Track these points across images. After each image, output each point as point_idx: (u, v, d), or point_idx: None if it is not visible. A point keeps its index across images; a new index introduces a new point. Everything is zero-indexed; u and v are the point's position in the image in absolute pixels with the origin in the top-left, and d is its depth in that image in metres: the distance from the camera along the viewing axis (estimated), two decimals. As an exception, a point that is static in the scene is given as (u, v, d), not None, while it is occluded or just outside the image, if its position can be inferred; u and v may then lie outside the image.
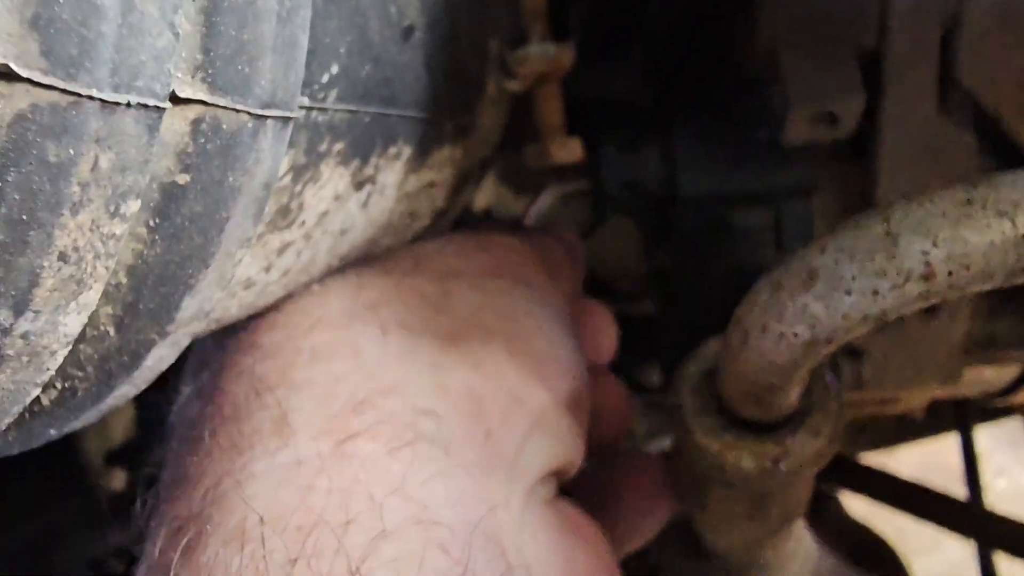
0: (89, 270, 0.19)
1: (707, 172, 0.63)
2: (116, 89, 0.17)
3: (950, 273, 0.29)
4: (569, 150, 0.46)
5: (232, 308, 0.30)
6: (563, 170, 0.63)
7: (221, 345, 0.36)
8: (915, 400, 0.73)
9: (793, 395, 0.36)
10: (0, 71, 0.16)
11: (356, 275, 0.38)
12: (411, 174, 0.36)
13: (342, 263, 0.36)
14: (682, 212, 0.64)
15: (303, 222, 0.29)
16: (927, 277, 0.29)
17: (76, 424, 0.24)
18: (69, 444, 1.08)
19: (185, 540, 0.30)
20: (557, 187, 0.67)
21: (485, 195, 0.83)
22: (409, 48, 0.32)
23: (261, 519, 0.29)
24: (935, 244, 0.29)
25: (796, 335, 0.32)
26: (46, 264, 0.18)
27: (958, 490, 1.40)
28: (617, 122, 0.75)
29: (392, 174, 0.34)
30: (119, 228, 0.19)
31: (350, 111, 0.28)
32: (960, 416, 1.48)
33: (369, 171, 0.31)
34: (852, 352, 0.68)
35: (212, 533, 0.30)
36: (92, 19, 0.16)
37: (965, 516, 1.28)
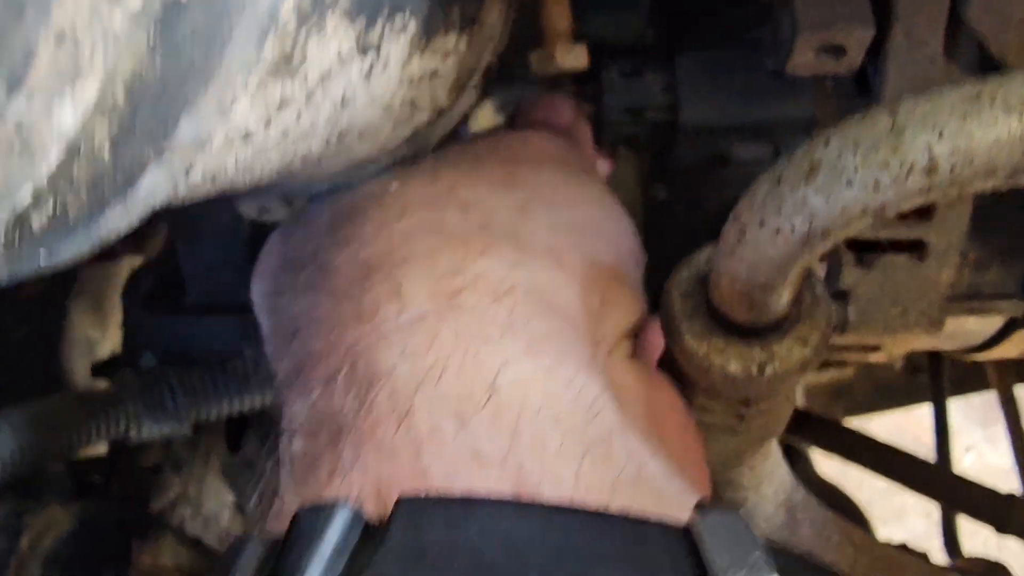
0: (87, 57, 0.18)
1: (709, 102, 0.63)
2: None
3: (953, 168, 0.29)
4: (575, 55, 0.46)
5: (229, 165, 0.29)
6: (563, 84, 0.62)
7: (317, 244, 0.41)
8: (897, 348, 0.73)
9: (784, 298, 0.36)
10: None
11: (430, 165, 0.42)
12: (415, 54, 0.35)
13: (340, 142, 0.36)
14: (682, 141, 0.64)
15: (305, 76, 0.28)
16: (930, 170, 0.29)
17: (67, 252, 0.24)
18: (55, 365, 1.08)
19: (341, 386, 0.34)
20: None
21: (483, 121, 0.82)
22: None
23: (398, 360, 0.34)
24: (940, 137, 0.29)
25: (793, 229, 0.31)
26: (42, 41, 0.17)
27: (923, 453, 1.43)
28: (622, 34, 0.74)
29: (397, 48, 0.33)
30: (118, 19, 0.18)
31: (358, -38, 0.28)
32: (935, 386, 1.50)
33: (374, 37, 0.31)
34: (838, 294, 0.68)
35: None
36: None
37: (932, 478, 1.30)
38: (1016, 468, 1.37)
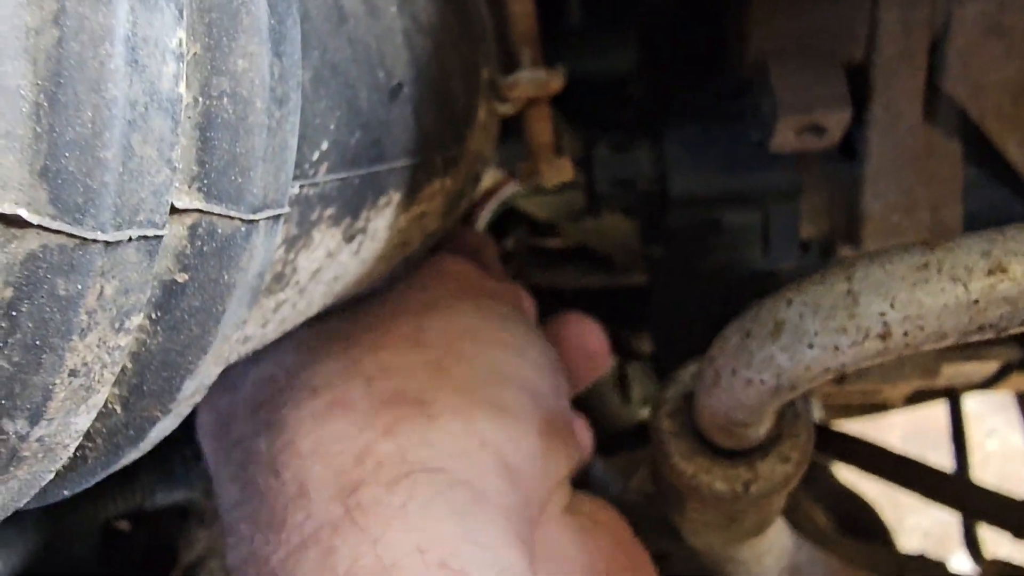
0: (97, 378, 0.21)
1: (697, 173, 0.64)
2: (118, 228, 0.19)
3: (906, 333, 0.31)
4: (558, 169, 0.48)
5: (232, 360, 0.31)
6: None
7: (243, 428, 0.41)
8: (897, 392, 0.75)
9: (762, 429, 0.38)
10: (12, 217, 0.18)
11: (344, 331, 0.42)
12: (402, 213, 0.37)
13: (336, 301, 0.38)
14: (673, 211, 0.65)
15: (297, 282, 0.31)
16: (884, 336, 0.31)
17: (87, 485, 0.26)
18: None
19: None
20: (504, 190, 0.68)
21: (488, 180, 0.84)
22: (397, 105, 0.33)
23: None
24: (892, 306, 0.30)
25: (763, 381, 0.33)
26: (58, 381, 0.20)
27: (944, 449, 1.44)
28: (612, 110, 0.76)
29: (382, 220, 0.35)
30: (124, 340, 0.21)
31: (340, 179, 0.30)
32: (950, 389, 1.51)
33: (360, 224, 0.33)
34: (835, 348, 0.70)
35: None
36: (95, 170, 0.18)
37: (949, 488, 1.31)
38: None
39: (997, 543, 1.40)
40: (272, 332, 0.33)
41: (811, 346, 0.32)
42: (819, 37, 0.57)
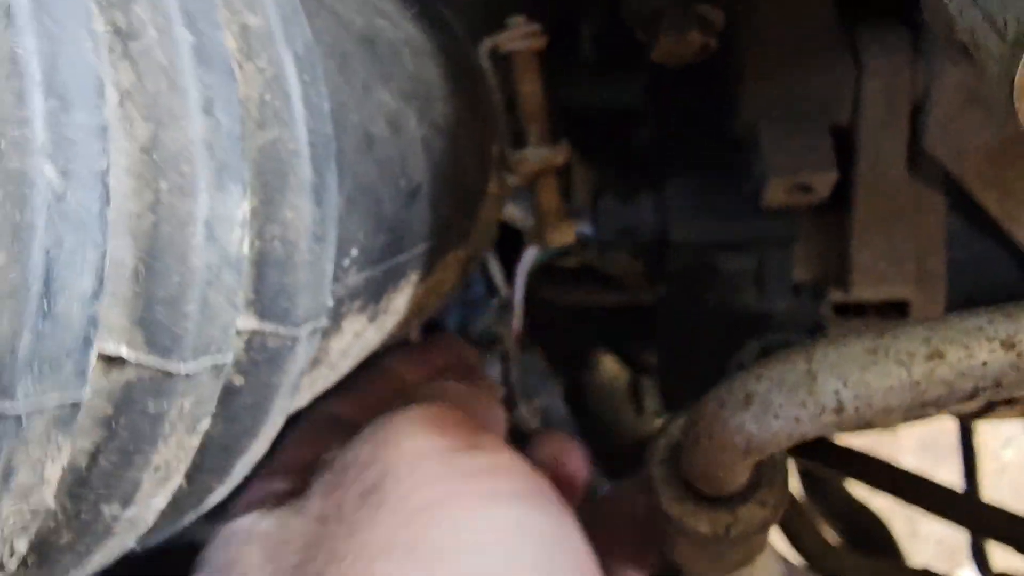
0: (175, 469, 0.26)
1: (697, 222, 0.69)
2: (196, 359, 0.24)
3: (857, 409, 0.35)
4: (562, 233, 0.52)
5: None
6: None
7: None
8: (892, 420, 0.78)
9: (740, 480, 0.42)
10: (115, 355, 0.23)
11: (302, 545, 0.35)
12: (420, 286, 0.42)
13: (358, 362, 0.43)
14: (673, 256, 0.70)
15: (329, 361, 0.36)
16: (838, 411, 0.35)
17: (152, 542, 0.31)
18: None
19: None
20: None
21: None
22: (416, 203, 0.38)
23: None
24: (845, 384, 0.35)
25: (735, 445, 0.38)
26: (145, 475, 0.25)
27: (954, 462, 1.47)
28: (621, 144, 0.80)
29: (402, 297, 0.40)
30: (195, 440, 0.26)
31: (366, 276, 0.35)
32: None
33: (383, 305, 0.38)
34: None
35: None
36: (180, 320, 0.23)
37: (957, 506, 1.34)
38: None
39: (1006, 557, 1.43)
40: (305, 400, 0.38)
41: (776, 416, 0.36)
42: (807, 102, 0.61)
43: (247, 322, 0.27)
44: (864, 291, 0.67)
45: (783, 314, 0.70)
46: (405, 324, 0.45)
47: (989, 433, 2.86)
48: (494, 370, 0.80)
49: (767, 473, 0.45)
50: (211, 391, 0.25)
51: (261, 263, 0.26)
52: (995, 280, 0.68)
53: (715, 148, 0.69)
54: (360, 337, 0.38)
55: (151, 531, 0.30)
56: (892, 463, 1.43)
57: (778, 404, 0.36)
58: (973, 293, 0.68)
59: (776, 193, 0.62)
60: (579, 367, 1.25)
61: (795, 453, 1.64)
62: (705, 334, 0.73)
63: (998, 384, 0.34)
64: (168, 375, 0.23)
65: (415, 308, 0.44)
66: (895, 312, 0.69)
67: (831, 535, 1.51)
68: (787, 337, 0.69)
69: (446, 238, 0.43)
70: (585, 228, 0.74)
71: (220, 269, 0.23)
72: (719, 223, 0.69)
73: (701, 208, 0.69)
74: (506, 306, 0.79)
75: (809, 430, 0.36)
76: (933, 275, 0.67)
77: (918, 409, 0.35)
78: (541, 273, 1.19)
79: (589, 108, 0.83)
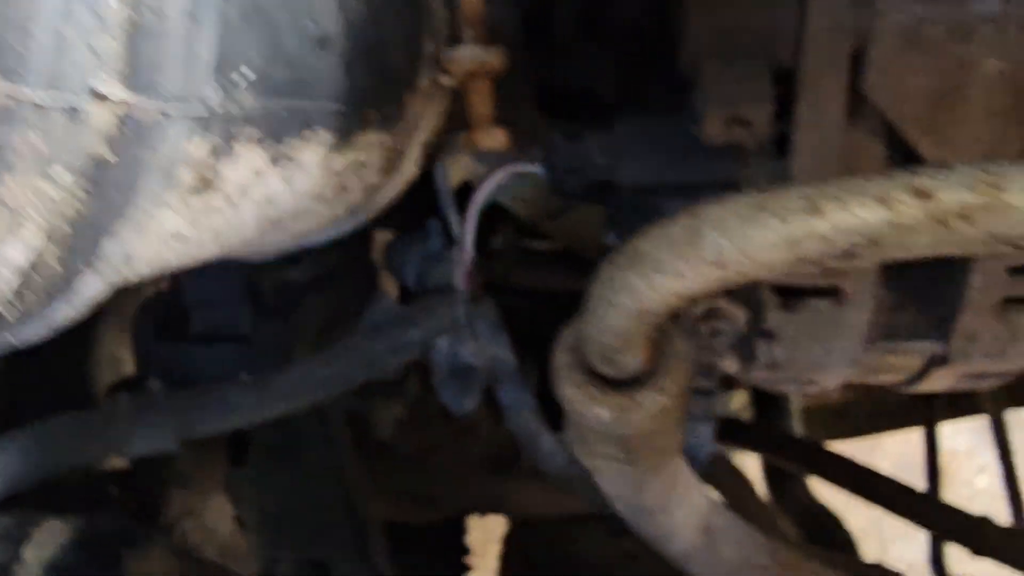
0: (26, 214, 0.26)
1: (643, 164, 0.70)
2: (46, 90, 0.25)
3: (738, 262, 0.36)
4: (494, 138, 0.53)
5: (170, 258, 0.37)
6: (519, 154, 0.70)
7: None
8: (832, 382, 0.79)
9: (636, 357, 0.43)
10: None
11: None
12: (335, 154, 0.43)
13: (275, 227, 0.44)
14: (619, 199, 0.71)
15: (224, 190, 0.36)
16: (720, 264, 0.36)
17: (28, 334, 0.32)
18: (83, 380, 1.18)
19: None
20: (511, 167, 0.74)
21: (461, 171, 0.90)
22: (326, 53, 0.39)
23: None
24: (727, 238, 0.36)
25: (624, 305, 0.39)
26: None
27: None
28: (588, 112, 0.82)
29: (312, 154, 0.41)
30: (50, 188, 0.26)
31: (262, 104, 0.35)
32: (927, 413, 1.55)
33: (285, 151, 0.39)
34: (765, 333, 0.74)
35: None
36: (28, 43, 0.24)
37: (914, 504, 1.35)
38: (1005, 488, 1.41)
39: (965, 564, 1.43)
40: (208, 239, 0.38)
41: (662, 272, 0.37)
42: (749, 38, 0.62)
43: (117, 91, 0.27)
44: (803, 238, 0.68)
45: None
46: (326, 204, 0.46)
47: (964, 461, 2.86)
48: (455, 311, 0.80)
49: (667, 361, 0.46)
50: (66, 136, 0.26)
51: (133, 33, 0.27)
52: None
53: (666, 90, 0.70)
54: (261, 179, 0.38)
55: (21, 315, 0.30)
56: (853, 460, 1.43)
57: (663, 260, 0.37)
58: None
59: (713, 125, 0.63)
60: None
61: (763, 448, 1.64)
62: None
63: (874, 242, 0.35)
64: (14, 100, 0.24)
65: (333, 183, 0.45)
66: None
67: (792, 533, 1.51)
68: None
69: (361, 108, 0.44)
70: (539, 170, 0.75)
71: (74, 4, 0.24)
72: (665, 164, 0.70)
73: (648, 149, 0.70)
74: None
75: (693, 285, 0.37)
76: (871, 224, 0.67)
77: (798, 265, 0.36)
78: (517, 257, 1.20)
79: (565, 86, 0.85)
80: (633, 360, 0.43)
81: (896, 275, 0.70)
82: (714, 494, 0.77)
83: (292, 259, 1.08)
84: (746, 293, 0.70)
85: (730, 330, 0.69)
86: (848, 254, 0.35)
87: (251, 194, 0.38)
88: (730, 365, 0.81)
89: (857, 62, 0.63)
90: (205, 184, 0.35)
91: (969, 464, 2.75)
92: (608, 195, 0.73)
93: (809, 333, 0.73)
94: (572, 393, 0.46)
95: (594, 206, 0.83)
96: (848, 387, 1.92)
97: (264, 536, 1.11)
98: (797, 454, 1.50)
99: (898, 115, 0.63)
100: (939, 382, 0.79)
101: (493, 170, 0.77)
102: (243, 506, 1.10)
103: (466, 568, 1.65)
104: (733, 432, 1.55)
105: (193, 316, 0.99)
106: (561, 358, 0.47)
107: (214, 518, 1.08)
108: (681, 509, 0.62)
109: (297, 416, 1.12)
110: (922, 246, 0.35)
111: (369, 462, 1.37)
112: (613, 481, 0.56)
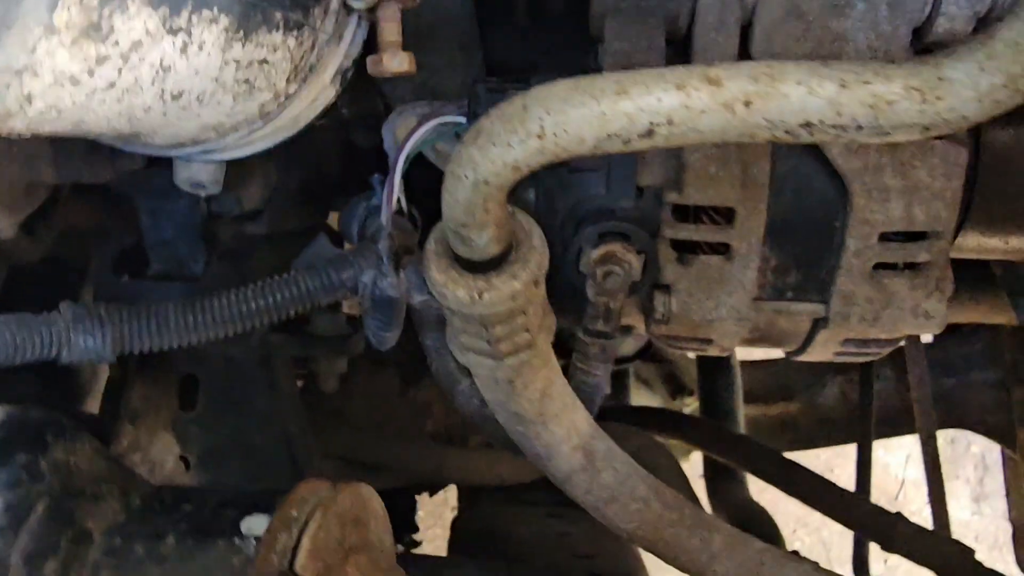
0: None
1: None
2: None
3: (555, 135, 0.42)
4: (400, 61, 0.59)
5: (66, 102, 0.42)
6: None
7: None
8: (727, 341, 0.84)
9: (485, 234, 0.49)
10: None
11: None
12: (235, 42, 0.49)
13: (176, 102, 0.49)
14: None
15: (117, 42, 0.42)
16: (541, 136, 0.42)
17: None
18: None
19: None
20: (437, 119, 0.80)
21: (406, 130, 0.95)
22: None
23: None
24: (548, 113, 0.42)
25: (466, 176, 0.44)
26: None
27: (883, 500, 1.52)
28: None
29: (210, 35, 0.47)
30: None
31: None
32: (863, 426, 1.60)
33: (180, 23, 0.44)
34: (662, 287, 0.80)
35: None
36: None
37: (835, 500, 1.40)
38: (929, 503, 1.46)
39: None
40: (101, 87, 0.44)
41: (495, 144, 0.43)
42: (651, 3, 0.69)
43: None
44: (695, 194, 0.74)
45: (626, 211, 0.76)
46: (230, 93, 0.51)
47: (913, 492, 2.91)
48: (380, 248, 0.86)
49: (522, 250, 0.51)
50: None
51: None
52: (813, 195, 0.75)
53: (580, 51, 0.76)
54: (156, 43, 0.44)
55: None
56: (782, 455, 1.49)
57: (497, 133, 0.43)
58: (793, 206, 0.75)
59: (612, 78, 0.69)
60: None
61: (704, 443, 1.69)
62: (560, 229, 0.80)
63: (671, 122, 0.41)
64: None
65: (237, 75, 0.50)
66: (724, 219, 0.76)
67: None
68: (620, 225, 0.76)
69: (268, 9, 0.49)
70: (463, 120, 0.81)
71: None
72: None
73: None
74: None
75: (520, 156, 0.43)
76: (757, 182, 0.73)
77: (608, 143, 0.42)
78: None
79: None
80: (484, 237, 0.49)
81: (781, 238, 0.76)
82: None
83: (252, 216, 1.14)
84: (644, 247, 0.76)
85: (622, 273, 0.75)
86: (649, 132, 0.41)
87: (146, 57, 0.44)
88: (635, 319, 0.86)
89: (746, 32, 0.69)
90: (95, 29, 0.41)
91: (918, 496, 2.80)
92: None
93: (701, 287, 0.78)
94: (436, 276, 0.51)
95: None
96: (786, 399, 1.98)
97: (206, 476, 1.15)
98: (733, 448, 1.55)
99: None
100: (825, 349, 0.84)
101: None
102: (188, 447, 1.14)
103: (415, 543, 1.69)
104: (679, 425, 1.61)
105: (151, 256, 1.04)
106: (430, 247, 0.52)
107: (160, 454, 1.13)
108: (560, 426, 0.67)
109: (245, 363, 1.17)
110: (713, 129, 0.41)
111: (320, 424, 1.42)
112: (487, 384, 0.61)
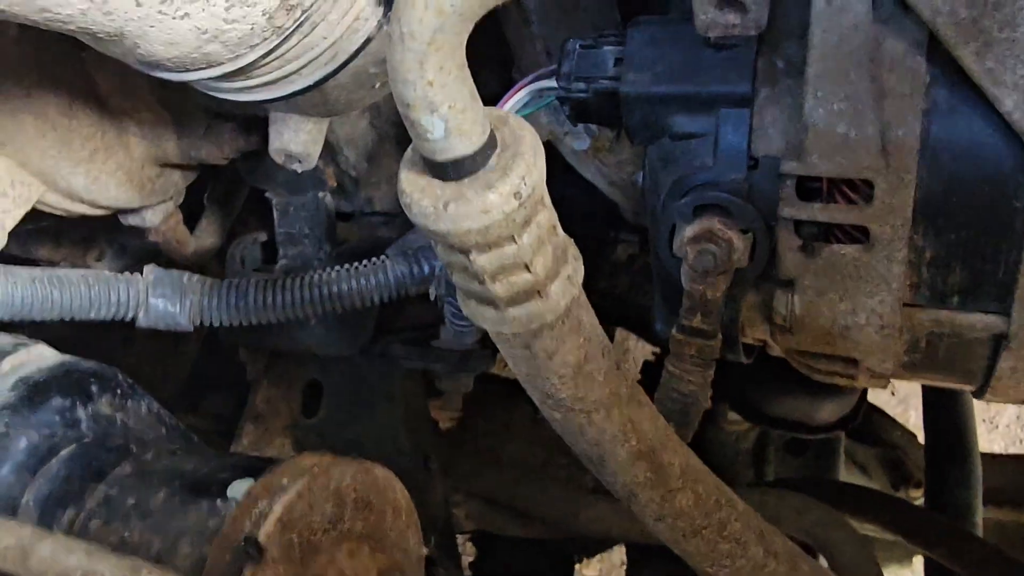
0: None
1: (650, 73, 0.64)
2: None
3: None
4: None
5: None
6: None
7: None
8: (874, 361, 0.66)
9: (438, 124, 0.39)
10: None
11: None
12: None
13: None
14: (628, 111, 0.66)
15: None
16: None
17: None
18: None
19: None
20: (531, 83, 0.72)
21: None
22: None
23: None
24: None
25: (400, 30, 0.36)
26: None
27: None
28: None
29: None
30: None
31: None
32: None
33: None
34: (784, 283, 0.64)
35: None
36: None
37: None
38: None
39: None
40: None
41: None
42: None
43: None
44: (819, 163, 0.59)
45: (735, 185, 0.63)
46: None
47: None
48: None
49: (503, 156, 0.41)
50: None
51: None
52: (983, 165, 0.57)
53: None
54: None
55: None
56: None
57: None
58: (955, 178, 0.58)
59: (706, 11, 0.57)
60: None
61: (921, 542, 1.44)
62: (663, 210, 0.67)
63: None
64: None
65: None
66: (859, 196, 0.60)
67: None
68: (718, 196, 0.62)
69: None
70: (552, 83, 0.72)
71: None
72: (674, 75, 0.64)
73: (659, 59, 0.65)
74: None
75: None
76: (903, 148, 0.57)
77: None
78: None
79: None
80: (438, 126, 0.39)
81: (938, 223, 0.58)
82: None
83: (386, 222, 1.12)
84: (751, 226, 0.61)
85: (719, 252, 0.61)
86: None
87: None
88: (760, 330, 0.71)
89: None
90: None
91: None
92: (615, 108, 0.67)
93: (833, 284, 0.62)
94: (405, 185, 0.42)
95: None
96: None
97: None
98: (967, 554, 1.26)
99: (931, 12, 0.54)
100: (1019, 384, 0.63)
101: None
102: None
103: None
104: (895, 514, 1.34)
105: (280, 250, 1.04)
106: (406, 157, 0.44)
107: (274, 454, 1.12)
108: (610, 421, 0.54)
109: (369, 374, 1.14)
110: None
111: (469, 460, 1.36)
112: (504, 350, 0.51)
